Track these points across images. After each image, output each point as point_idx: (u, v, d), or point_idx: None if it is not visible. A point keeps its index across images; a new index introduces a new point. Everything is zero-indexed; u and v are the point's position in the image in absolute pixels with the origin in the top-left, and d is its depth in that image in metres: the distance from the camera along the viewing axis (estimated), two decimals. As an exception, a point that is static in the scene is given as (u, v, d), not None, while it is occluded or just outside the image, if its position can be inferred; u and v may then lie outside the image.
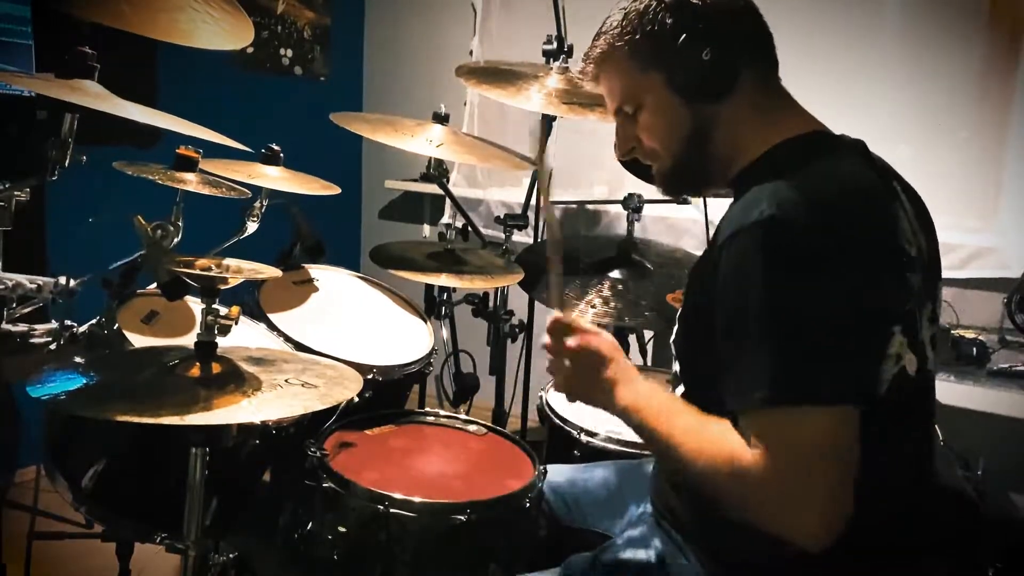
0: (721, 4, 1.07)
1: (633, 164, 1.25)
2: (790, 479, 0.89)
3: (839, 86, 2.60)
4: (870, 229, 0.97)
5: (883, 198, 1.03)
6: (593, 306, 1.99)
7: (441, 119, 1.94)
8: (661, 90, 1.10)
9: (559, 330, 1.14)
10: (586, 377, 1.13)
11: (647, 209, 2.25)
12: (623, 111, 1.16)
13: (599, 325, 1.19)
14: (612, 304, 2.00)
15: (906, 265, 1.00)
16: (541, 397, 1.83)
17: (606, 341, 1.14)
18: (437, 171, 2.14)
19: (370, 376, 1.72)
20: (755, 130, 1.09)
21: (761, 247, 0.93)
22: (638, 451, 1.57)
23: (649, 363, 2.54)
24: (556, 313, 1.16)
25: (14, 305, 1.50)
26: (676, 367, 1.19)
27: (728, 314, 0.97)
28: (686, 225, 2.77)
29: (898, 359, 0.96)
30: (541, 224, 2.51)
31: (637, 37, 1.09)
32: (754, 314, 0.93)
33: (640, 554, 1.20)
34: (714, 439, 0.97)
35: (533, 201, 2.41)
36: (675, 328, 1.18)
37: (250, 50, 3.18)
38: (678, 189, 1.22)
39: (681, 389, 1.17)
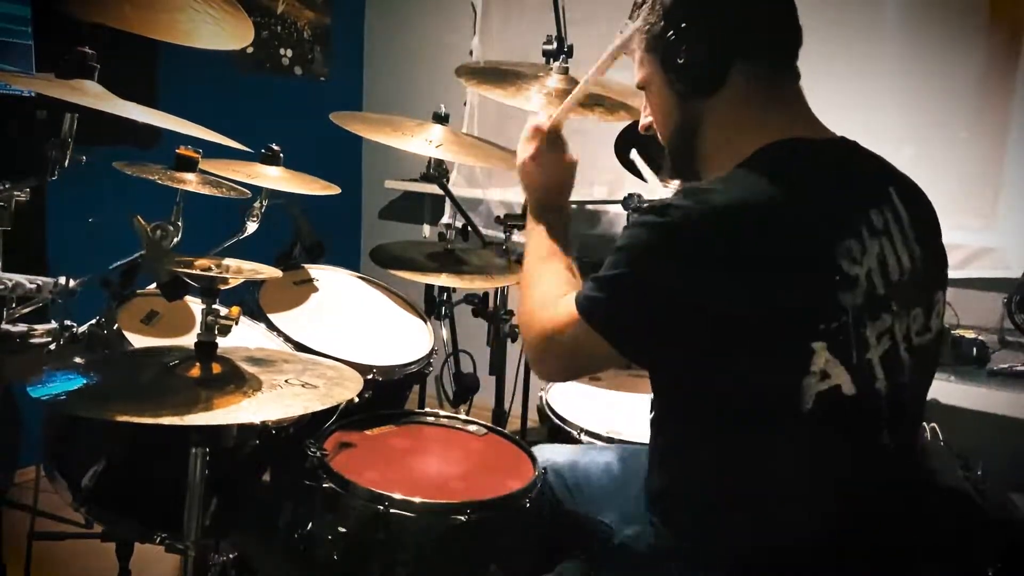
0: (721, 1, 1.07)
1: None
2: (561, 347, 1.10)
3: (839, 86, 2.59)
4: (781, 247, 0.96)
5: (824, 217, 1.00)
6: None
7: (441, 119, 1.94)
8: (658, 78, 1.13)
9: (538, 136, 1.30)
10: (533, 177, 1.31)
11: (647, 209, 2.25)
12: (641, 87, 1.20)
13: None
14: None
15: (838, 284, 0.97)
16: (541, 397, 1.83)
17: (568, 169, 1.32)
18: (437, 171, 2.13)
19: (370, 376, 1.72)
20: (741, 132, 1.08)
21: (651, 222, 0.99)
22: (640, 446, 1.57)
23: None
24: (541, 119, 1.31)
25: (14, 305, 1.49)
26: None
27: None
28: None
29: (824, 376, 0.96)
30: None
31: (646, 25, 1.12)
32: (615, 247, 1.02)
33: (634, 552, 1.20)
34: (555, 294, 1.14)
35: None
36: None
37: (250, 50, 3.18)
38: (678, 174, 1.23)
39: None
